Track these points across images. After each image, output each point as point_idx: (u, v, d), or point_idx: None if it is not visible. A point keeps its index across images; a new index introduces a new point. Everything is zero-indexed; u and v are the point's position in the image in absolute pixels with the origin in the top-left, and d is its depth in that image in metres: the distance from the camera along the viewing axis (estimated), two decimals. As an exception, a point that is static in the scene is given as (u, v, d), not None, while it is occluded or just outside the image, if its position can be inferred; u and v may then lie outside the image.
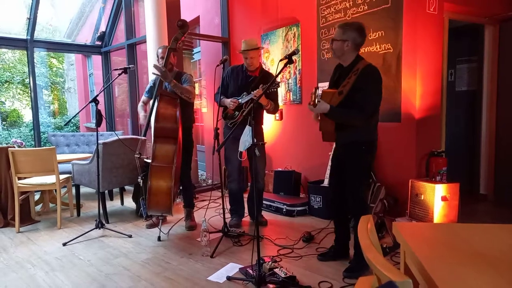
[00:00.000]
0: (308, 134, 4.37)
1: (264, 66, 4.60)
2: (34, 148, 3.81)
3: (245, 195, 3.80)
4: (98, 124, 3.31)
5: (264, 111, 3.49)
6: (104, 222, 3.62)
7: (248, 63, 3.33)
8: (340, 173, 2.65)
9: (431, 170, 3.37)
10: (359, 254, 2.52)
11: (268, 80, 3.24)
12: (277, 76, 2.66)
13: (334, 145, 2.82)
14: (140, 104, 3.60)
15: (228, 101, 3.35)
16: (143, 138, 3.56)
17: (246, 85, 3.35)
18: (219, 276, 2.53)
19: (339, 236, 2.79)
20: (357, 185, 2.57)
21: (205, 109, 6.27)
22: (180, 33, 3.13)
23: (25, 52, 5.41)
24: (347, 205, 2.68)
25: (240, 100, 3.31)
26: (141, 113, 3.53)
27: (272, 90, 3.21)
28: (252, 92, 3.23)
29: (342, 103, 2.42)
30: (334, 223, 2.86)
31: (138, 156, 3.32)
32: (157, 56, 3.45)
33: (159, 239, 3.27)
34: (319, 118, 2.56)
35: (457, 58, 4.44)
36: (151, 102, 3.33)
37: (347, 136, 2.52)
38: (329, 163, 3.77)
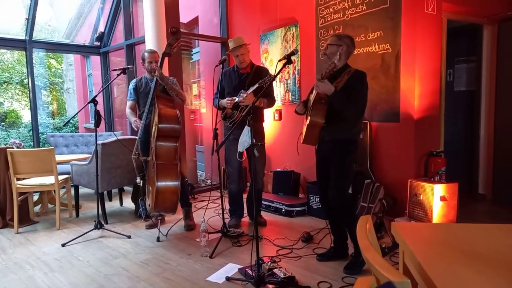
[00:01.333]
0: (307, 134, 4.36)
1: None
2: (33, 149, 3.81)
3: (245, 196, 3.80)
4: (97, 124, 3.31)
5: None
6: (103, 222, 3.62)
7: (240, 60, 3.35)
8: (326, 170, 2.67)
9: (430, 170, 3.37)
10: (358, 250, 2.53)
11: (261, 75, 3.26)
12: (274, 77, 2.67)
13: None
14: (128, 111, 3.57)
15: (224, 101, 3.36)
16: (140, 138, 3.56)
17: (240, 83, 3.37)
18: (218, 276, 2.53)
19: (336, 235, 2.80)
20: (344, 183, 2.61)
21: (204, 110, 6.27)
22: (174, 39, 3.25)
23: (24, 53, 5.40)
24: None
25: (236, 98, 3.32)
26: (132, 119, 3.50)
27: (265, 85, 3.13)
28: (250, 88, 3.22)
29: None
30: (329, 223, 2.86)
31: (137, 156, 3.32)
32: (143, 60, 3.46)
33: (158, 239, 3.27)
34: (312, 107, 2.58)
35: (456, 58, 4.45)
36: (147, 104, 3.34)
37: (335, 133, 2.57)
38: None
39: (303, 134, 2.66)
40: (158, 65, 3.29)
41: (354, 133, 2.61)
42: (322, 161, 2.71)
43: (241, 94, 3.30)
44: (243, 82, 3.36)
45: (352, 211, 2.74)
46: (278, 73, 2.64)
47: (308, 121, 2.60)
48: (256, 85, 3.16)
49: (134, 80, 3.62)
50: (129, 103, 3.60)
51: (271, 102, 3.41)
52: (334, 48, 2.57)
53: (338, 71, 2.58)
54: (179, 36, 3.26)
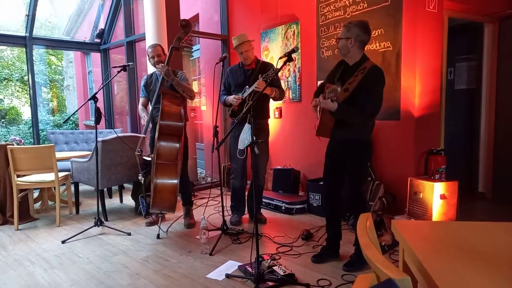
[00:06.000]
0: (307, 132, 4.37)
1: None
2: (33, 146, 3.81)
3: (247, 193, 3.80)
4: (97, 121, 3.31)
5: (269, 104, 3.50)
6: (103, 219, 3.62)
7: (244, 57, 3.35)
8: (338, 171, 2.65)
9: (430, 168, 3.37)
10: (359, 249, 2.53)
11: (266, 69, 3.23)
12: (278, 71, 2.67)
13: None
14: (140, 108, 3.58)
15: (231, 98, 3.37)
16: (143, 135, 3.57)
17: (246, 80, 3.37)
18: (218, 273, 2.53)
19: (330, 235, 2.78)
20: (358, 183, 2.59)
21: (204, 107, 6.27)
22: (183, 32, 3.20)
23: (24, 50, 5.39)
24: (341, 204, 2.72)
25: (241, 95, 3.31)
26: (142, 115, 3.50)
27: (273, 77, 3.13)
28: (253, 85, 3.22)
29: (346, 100, 2.41)
30: (326, 221, 2.84)
31: (139, 153, 3.32)
32: (148, 56, 3.45)
33: (158, 236, 3.27)
34: (319, 111, 2.54)
35: (457, 56, 4.44)
36: (153, 101, 3.33)
37: (346, 134, 2.52)
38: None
39: (316, 127, 2.58)
40: (166, 59, 3.25)
41: (364, 133, 2.52)
42: (333, 160, 2.66)
43: (246, 90, 3.30)
44: (248, 78, 3.35)
45: (365, 210, 2.67)
46: (279, 70, 2.64)
47: (319, 121, 2.55)
48: (260, 79, 3.14)
49: (145, 77, 3.61)
50: (141, 100, 3.61)
51: (282, 93, 3.40)
52: (344, 42, 2.44)
53: (352, 68, 2.47)
54: (189, 29, 3.19)
